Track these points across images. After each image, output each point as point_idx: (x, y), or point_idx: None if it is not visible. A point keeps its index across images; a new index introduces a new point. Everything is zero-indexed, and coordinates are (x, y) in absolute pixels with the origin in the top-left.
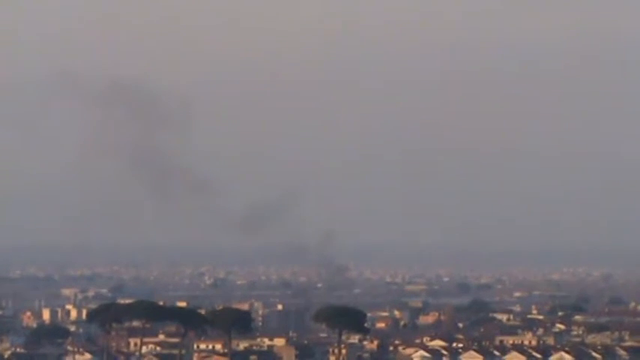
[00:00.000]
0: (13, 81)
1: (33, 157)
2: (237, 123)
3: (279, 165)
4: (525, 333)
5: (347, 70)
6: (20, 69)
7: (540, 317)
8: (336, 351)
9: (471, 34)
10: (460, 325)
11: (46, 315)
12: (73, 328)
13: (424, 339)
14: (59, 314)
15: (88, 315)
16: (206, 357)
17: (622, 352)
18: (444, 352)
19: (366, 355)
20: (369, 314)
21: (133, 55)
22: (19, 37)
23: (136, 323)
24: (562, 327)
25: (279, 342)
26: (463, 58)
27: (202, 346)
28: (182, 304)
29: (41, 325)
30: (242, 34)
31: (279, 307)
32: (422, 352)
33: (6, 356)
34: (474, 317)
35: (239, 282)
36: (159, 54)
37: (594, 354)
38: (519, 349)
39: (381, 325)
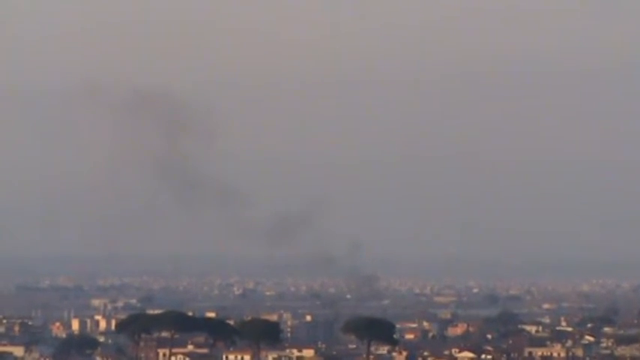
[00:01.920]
0: (39, 90)
1: (60, 167)
2: (263, 131)
3: (306, 173)
4: (554, 345)
5: (379, 73)
6: (45, 79)
7: (569, 329)
8: None
9: (486, 38)
10: (489, 336)
11: (75, 325)
12: (102, 339)
13: (453, 350)
14: (88, 325)
15: (117, 325)
16: None
17: None
18: None
19: None
20: (397, 325)
21: (157, 63)
22: (43, 46)
23: (165, 334)
24: (591, 339)
25: (308, 353)
26: (483, 61)
27: (231, 356)
28: (211, 314)
29: (70, 335)
30: (268, 38)
31: (308, 317)
32: None
33: None
34: (502, 329)
35: (268, 293)
36: (184, 61)
37: None
38: None
39: (409, 336)
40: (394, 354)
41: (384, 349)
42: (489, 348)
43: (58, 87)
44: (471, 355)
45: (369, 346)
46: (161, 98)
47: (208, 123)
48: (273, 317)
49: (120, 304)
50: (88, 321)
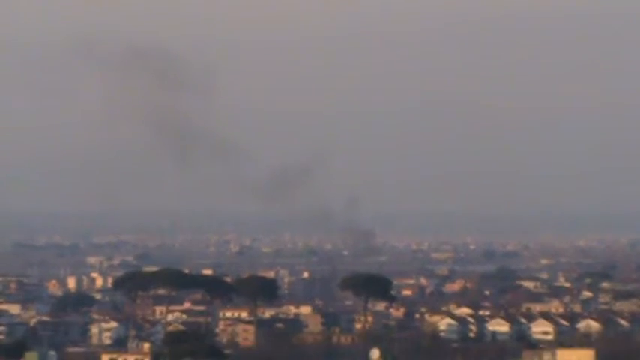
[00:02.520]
0: (34, 43)
1: (55, 123)
2: (261, 86)
3: (304, 128)
4: (552, 300)
5: (375, 26)
6: (40, 33)
7: (567, 284)
8: (362, 318)
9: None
10: (486, 292)
11: (71, 283)
12: (98, 296)
13: (450, 306)
14: (85, 282)
15: (113, 283)
16: (232, 324)
17: None
18: (471, 319)
19: (392, 322)
20: (395, 282)
21: (154, 19)
22: (39, 0)
23: (161, 291)
24: (589, 294)
25: (305, 310)
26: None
27: (228, 313)
28: (208, 271)
29: (67, 293)
30: None
31: (305, 274)
32: (448, 320)
33: (32, 324)
34: (500, 284)
35: (265, 249)
36: (181, 18)
37: (621, 321)
38: (546, 316)
39: (407, 292)
40: (391, 310)
41: (381, 306)
42: (487, 304)
43: (54, 41)
44: (468, 310)
45: (366, 302)
46: (157, 53)
47: (206, 78)
48: (270, 274)
49: (116, 261)
50: (85, 278)
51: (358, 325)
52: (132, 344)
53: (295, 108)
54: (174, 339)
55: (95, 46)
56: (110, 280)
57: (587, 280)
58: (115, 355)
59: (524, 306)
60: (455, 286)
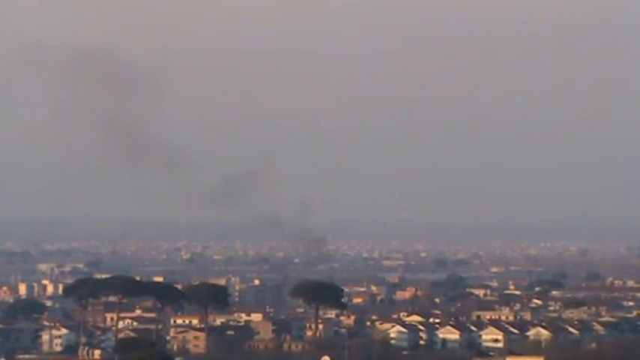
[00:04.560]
0: None
1: (4, 129)
2: (210, 93)
3: (253, 136)
4: (502, 308)
5: (327, 37)
6: None
7: (517, 292)
8: (313, 326)
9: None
10: (437, 300)
11: (22, 290)
12: (49, 303)
13: (401, 314)
14: (35, 289)
15: (64, 290)
16: (183, 332)
17: (599, 327)
18: (421, 327)
19: (342, 330)
20: (346, 289)
21: (103, 25)
22: None
23: (112, 298)
24: (539, 302)
25: (256, 317)
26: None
27: (179, 321)
28: (159, 279)
29: (17, 300)
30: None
31: (256, 282)
32: (399, 328)
33: None
34: (451, 292)
35: (216, 257)
36: (130, 23)
37: (571, 329)
38: (496, 324)
39: (358, 300)
40: (342, 318)
41: (332, 313)
42: (437, 312)
43: (1, 49)
44: (419, 318)
45: (317, 310)
46: (106, 59)
47: (154, 85)
48: (221, 281)
49: (67, 268)
50: (35, 285)
51: (309, 333)
52: (83, 351)
53: (244, 115)
54: (125, 346)
55: (43, 53)
56: (61, 287)
57: (538, 289)
58: None
59: (475, 314)
60: (405, 294)
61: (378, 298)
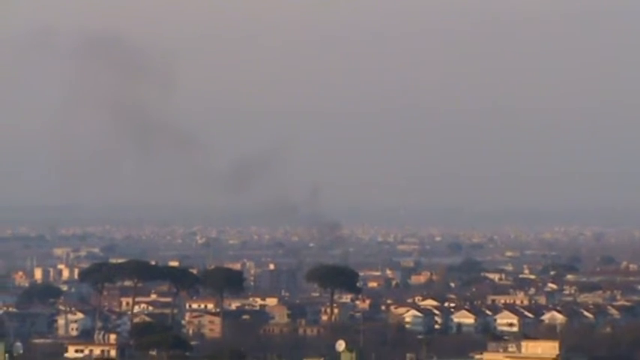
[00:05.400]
0: None
1: (17, 114)
2: (222, 76)
3: (266, 121)
4: (517, 292)
5: (337, 23)
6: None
7: (532, 277)
8: (329, 310)
9: None
10: (452, 284)
11: (38, 274)
12: (65, 288)
13: (416, 298)
14: (51, 274)
15: (80, 275)
16: (198, 316)
17: (614, 311)
18: (436, 311)
19: (358, 314)
20: (361, 274)
21: (113, 9)
22: None
23: (127, 283)
24: (554, 286)
25: (271, 301)
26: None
27: (194, 305)
28: (174, 263)
29: (33, 284)
30: None
31: (271, 266)
32: (414, 312)
33: None
34: (465, 277)
35: (231, 241)
36: (141, 7)
37: (586, 313)
38: (511, 308)
39: (373, 284)
40: (357, 302)
41: (347, 298)
42: (452, 296)
43: (13, 33)
44: (434, 303)
45: (332, 294)
46: (116, 43)
47: (166, 70)
48: (237, 266)
49: (83, 253)
50: (51, 270)
51: (324, 317)
52: (98, 336)
53: (257, 100)
54: (141, 331)
55: (53, 37)
56: (77, 272)
57: (552, 273)
58: (81, 347)
59: (490, 298)
60: (420, 279)
61: (393, 282)
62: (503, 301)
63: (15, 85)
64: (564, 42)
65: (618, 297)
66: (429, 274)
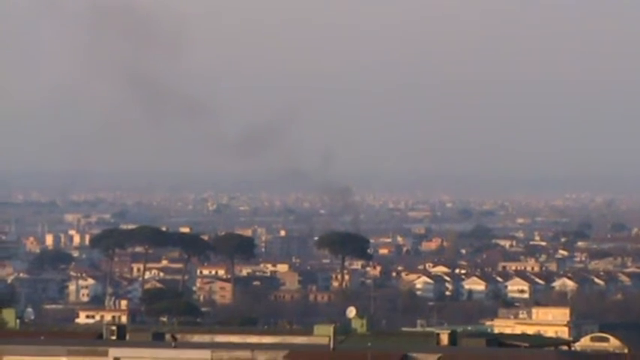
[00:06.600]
0: (2, 2)
1: (29, 81)
2: (232, 45)
3: (276, 87)
4: (528, 259)
5: None
6: None
7: (543, 243)
8: (339, 277)
9: None
10: (463, 251)
11: (49, 240)
12: (76, 254)
13: (427, 265)
14: (62, 240)
15: (91, 241)
16: (209, 282)
17: (624, 278)
18: (447, 278)
19: (368, 281)
20: (371, 240)
21: None
22: None
23: (138, 249)
24: (565, 253)
25: (282, 268)
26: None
27: (205, 271)
28: (185, 229)
29: (44, 250)
30: None
31: (282, 232)
32: (424, 278)
33: (9, 281)
34: (476, 243)
35: (242, 208)
36: None
37: (597, 280)
38: (522, 275)
39: (383, 251)
40: (368, 269)
41: (358, 264)
42: (463, 263)
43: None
44: (445, 269)
45: (343, 261)
46: (124, 9)
47: (176, 35)
48: (248, 232)
49: (93, 219)
50: (62, 236)
51: (335, 284)
52: (109, 302)
53: (267, 66)
54: (152, 297)
55: (63, 5)
56: (88, 238)
57: (563, 240)
58: (92, 313)
59: (500, 265)
60: (431, 245)
61: (404, 249)
62: (514, 268)
63: (25, 51)
64: (580, 9)
65: (629, 264)
66: (439, 240)
